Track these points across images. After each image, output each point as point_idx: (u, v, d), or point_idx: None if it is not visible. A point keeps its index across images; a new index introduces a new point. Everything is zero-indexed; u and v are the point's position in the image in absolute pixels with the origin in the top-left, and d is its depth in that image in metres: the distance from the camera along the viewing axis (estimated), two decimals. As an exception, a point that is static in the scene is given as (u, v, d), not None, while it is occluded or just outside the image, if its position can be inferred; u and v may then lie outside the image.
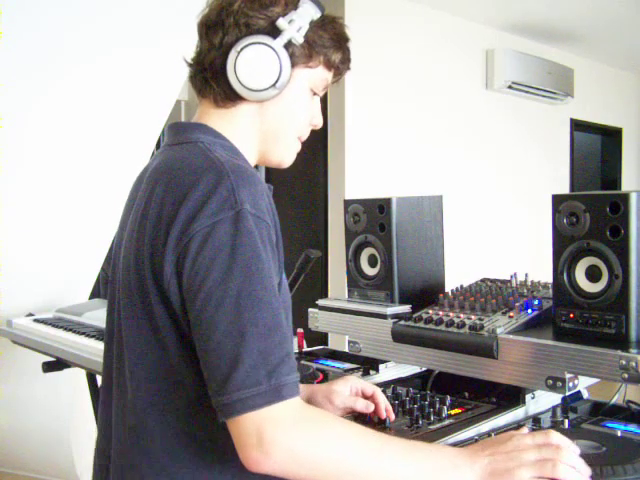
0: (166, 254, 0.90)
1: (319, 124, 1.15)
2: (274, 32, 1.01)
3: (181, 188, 0.92)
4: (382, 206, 1.60)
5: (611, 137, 6.49)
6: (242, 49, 1.00)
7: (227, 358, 0.84)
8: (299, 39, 1.02)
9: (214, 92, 1.05)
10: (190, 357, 0.92)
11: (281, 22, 1.01)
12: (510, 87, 4.99)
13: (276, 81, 1.01)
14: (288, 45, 1.02)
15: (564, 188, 5.78)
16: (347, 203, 1.70)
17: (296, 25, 1.01)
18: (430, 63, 4.61)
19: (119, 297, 1.02)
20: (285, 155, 1.12)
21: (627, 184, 6.50)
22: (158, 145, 3.20)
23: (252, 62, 1.00)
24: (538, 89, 5.13)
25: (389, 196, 1.60)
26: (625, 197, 1.16)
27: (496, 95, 5.07)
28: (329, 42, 1.06)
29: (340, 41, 1.09)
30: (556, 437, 0.94)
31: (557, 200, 1.26)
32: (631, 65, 6.21)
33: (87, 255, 2.97)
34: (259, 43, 1.00)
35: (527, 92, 5.12)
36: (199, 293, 0.87)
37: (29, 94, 2.49)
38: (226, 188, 0.90)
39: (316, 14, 1.04)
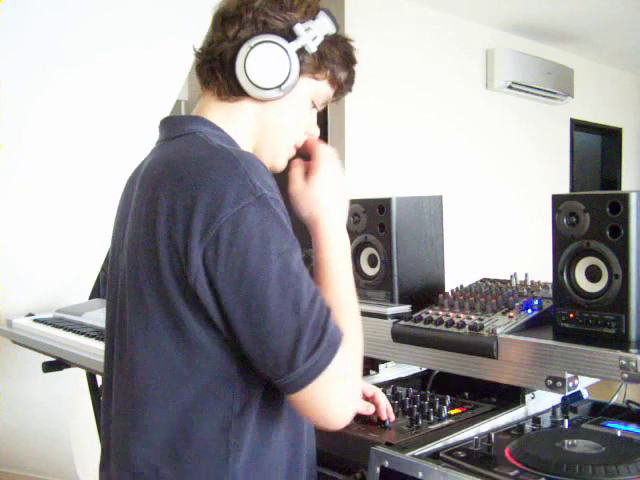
0: (190, 248, 0.90)
1: (316, 135, 1.16)
2: (290, 36, 1.02)
3: (191, 179, 0.92)
4: (382, 206, 1.60)
5: (611, 137, 6.50)
6: (256, 45, 1.01)
7: (288, 337, 0.88)
8: (312, 48, 1.03)
9: (218, 84, 1.05)
10: (221, 346, 0.95)
11: (298, 27, 1.02)
12: (510, 87, 4.99)
13: (283, 83, 1.02)
14: (300, 52, 1.03)
15: (564, 188, 5.78)
16: (347, 203, 1.69)
17: (312, 34, 1.03)
18: (430, 63, 4.61)
19: (123, 296, 1.01)
20: (278, 159, 1.12)
21: (627, 184, 6.50)
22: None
23: (263, 59, 1.01)
24: (538, 89, 5.13)
25: (389, 196, 1.60)
26: (625, 197, 1.16)
27: (496, 95, 5.07)
28: (339, 59, 1.08)
29: (349, 61, 1.11)
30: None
31: (557, 200, 1.26)
32: (631, 65, 6.21)
33: (87, 255, 2.97)
34: (273, 42, 1.01)
35: (527, 92, 5.12)
36: (241, 282, 0.88)
37: (28, 94, 2.49)
38: (240, 175, 0.91)
39: (331, 29, 1.06)
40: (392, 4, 4.37)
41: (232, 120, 1.06)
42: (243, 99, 1.05)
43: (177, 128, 1.06)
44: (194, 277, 0.90)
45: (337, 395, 0.92)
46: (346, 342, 0.94)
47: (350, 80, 1.13)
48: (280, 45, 1.01)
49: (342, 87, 1.12)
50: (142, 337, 0.97)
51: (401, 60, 4.40)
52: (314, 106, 1.12)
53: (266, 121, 1.07)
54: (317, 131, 1.16)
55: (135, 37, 2.64)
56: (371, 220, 1.63)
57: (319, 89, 1.09)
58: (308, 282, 0.93)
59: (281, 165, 1.14)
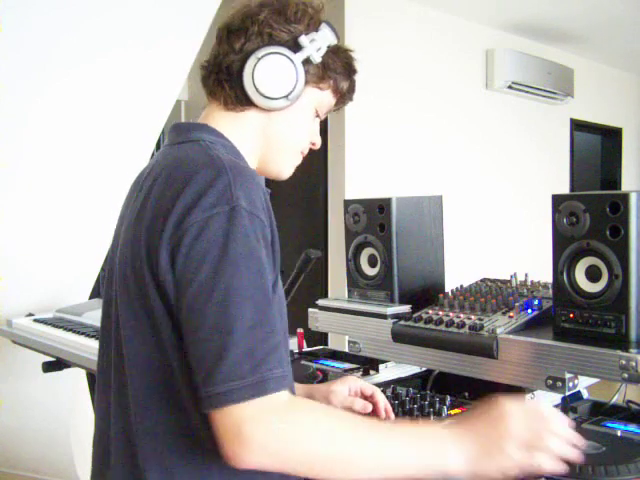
0: (162, 246, 0.92)
1: (318, 144, 1.18)
2: (295, 47, 1.05)
3: (179, 182, 0.94)
4: (382, 206, 1.60)
5: (611, 137, 6.49)
6: (263, 56, 1.04)
7: (213, 351, 0.85)
8: (317, 58, 1.07)
9: (225, 94, 1.08)
10: (183, 349, 0.92)
11: (303, 39, 1.05)
12: (510, 87, 4.99)
13: (290, 93, 1.05)
14: (305, 62, 1.06)
15: (564, 188, 5.78)
16: (347, 203, 1.70)
17: (316, 45, 1.06)
18: (430, 63, 4.61)
19: (116, 294, 1.02)
20: (284, 167, 1.15)
21: (627, 184, 6.50)
22: (158, 145, 3.20)
23: (271, 70, 1.03)
24: (538, 89, 5.13)
25: (389, 196, 1.60)
26: (625, 197, 1.16)
27: (496, 95, 5.07)
28: (340, 68, 1.11)
29: (350, 70, 1.14)
30: (545, 408, 0.94)
31: (557, 200, 1.26)
32: (631, 65, 6.21)
33: (87, 255, 2.97)
34: (280, 54, 1.04)
35: (527, 92, 5.12)
36: (190, 285, 0.88)
37: (28, 94, 2.49)
38: (223, 183, 0.91)
39: (333, 40, 1.09)
40: (392, 4, 4.37)
41: (237, 129, 1.08)
42: (249, 109, 1.08)
43: (183, 134, 1.08)
44: (163, 275, 0.92)
45: (233, 441, 0.83)
46: (293, 400, 0.87)
47: (351, 89, 1.16)
48: (287, 56, 1.04)
49: (344, 96, 1.16)
50: (134, 339, 0.98)
51: (401, 60, 4.40)
52: (317, 115, 1.15)
53: (271, 130, 1.10)
54: (319, 141, 1.18)
55: (135, 37, 2.64)
56: (371, 220, 1.63)
57: (323, 99, 1.12)
58: (260, 306, 0.88)
59: (287, 173, 1.17)
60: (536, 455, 0.88)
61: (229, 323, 0.85)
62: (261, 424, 0.83)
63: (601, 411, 1.34)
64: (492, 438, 0.89)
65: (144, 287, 0.95)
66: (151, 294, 0.94)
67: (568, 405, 1.33)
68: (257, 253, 0.90)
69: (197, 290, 0.87)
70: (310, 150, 1.19)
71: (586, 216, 1.21)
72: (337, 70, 1.11)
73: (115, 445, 1.02)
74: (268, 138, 1.10)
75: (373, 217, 1.62)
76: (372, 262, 1.65)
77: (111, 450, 1.03)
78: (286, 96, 1.05)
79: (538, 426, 0.89)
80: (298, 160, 1.17)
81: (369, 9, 4.18)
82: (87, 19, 2.49)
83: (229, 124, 1.08)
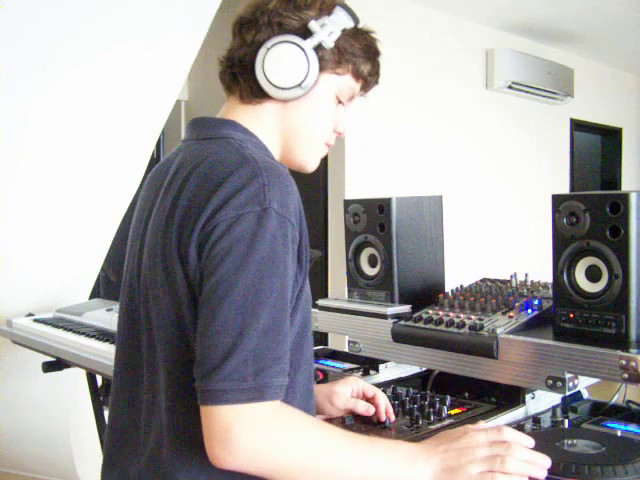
0: (192, 240, 0.92)
1: (344, 132, 1.15)
2: (305, 34, 1.03)
3: (215, 180, 0.93)
4: (382, 206, 1.60)
5: (611, 137, 6.49)
6: (272, 46, 1.02)
7: (221, 348, 0.85)
8: (329, 43, 1.03)
9: (240, 88, 1.07)
10: None
11: (313, 24, 1.03)
12: (510, 87, 4.99)
13: (302, 81, 1.03)
14: (318, 48, 1.03)
15: (564, 188, 5.78)
16: (347, 203, 1.70)
17: (328, 29, 1.03)
18: (430, 63, 4.61)
19: (144, 291, 1.01)
20: (308, 158, 1.13)
21: (627, 184, 6.50)
22: (158, 145, 3.20)
23: (280, 60, 1.02)
24: (538, 89, 5.13)
25: (389, 196, 1.60)
26: (625, 197, 1.16)
27: (496, 95, 5.07)
28: (359, 51, 1.08)
29: (370, 53, 1.10)
30: (509, 433, 0.97)
31: (557, 200, 1.26)
32: (631, 65, 6.21)
33: (87, 255, 2.97)
34: (289, 42, 1.02)
35: (527, 92, 5.12)
36: (209, 280, 0.88)
37: (29, 93, 2.49)
38: (257, 184, 0.91)
39: (349, 23, 1.06)
40: (392, 4, 4.37)
41: (257, 122, 1.07)
42: (266, 101, 1.06)
43: (210, 130, 1.07)
44: (193, 270, 0.92)
45: (220, 441, 0.84)
46: (283, 410, 0.87)
47: (375, 72, 1.12)
48: (296, 44, 1.02)
49: (367, 80, 1.12)
50: (165, 338, 0.97)
51: (401, 60, 4.40)
52: (340, 102, 1.11)
53: (291, 120, 1.08)
54: (345, 129, 1.15)
55: (135, 37, 2.64)
56: (371, 220, 1.63)
57: (343, 84, 1.09)
58: (275, 312, 0.88)
59: (312, 165, 1.15)
60: (497, 477, 0.91)
61: (242, 323, 0.86)
62: (250, 430, 0.84)
63: (601, 411, 1.34)
64: (457, 459, 0.92)
65: (176, 286, 0.94)
66: (182, 293, 0.94)
67: (568, 405, 1.33)
68: (282, 257, 0.90)
69: (215, 285, 0.87)
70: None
71: (586, 216, 1.21)
72: (355, 53, 1.07)
73: (142, 438, 1.01)
74: (288, 129, 1.08)
75: (373, 217, 1.62)
76: (372, 262, 1.65)
77: (137, 445, 1.01)
78: (299, 84, 1.02)
79: (499, 451, 0.93)
80: (323, 151, 1.14)
81: (369, 9, 4.17)
82: (87, 19, 2.48)
83: (249, 118, 1.07)
